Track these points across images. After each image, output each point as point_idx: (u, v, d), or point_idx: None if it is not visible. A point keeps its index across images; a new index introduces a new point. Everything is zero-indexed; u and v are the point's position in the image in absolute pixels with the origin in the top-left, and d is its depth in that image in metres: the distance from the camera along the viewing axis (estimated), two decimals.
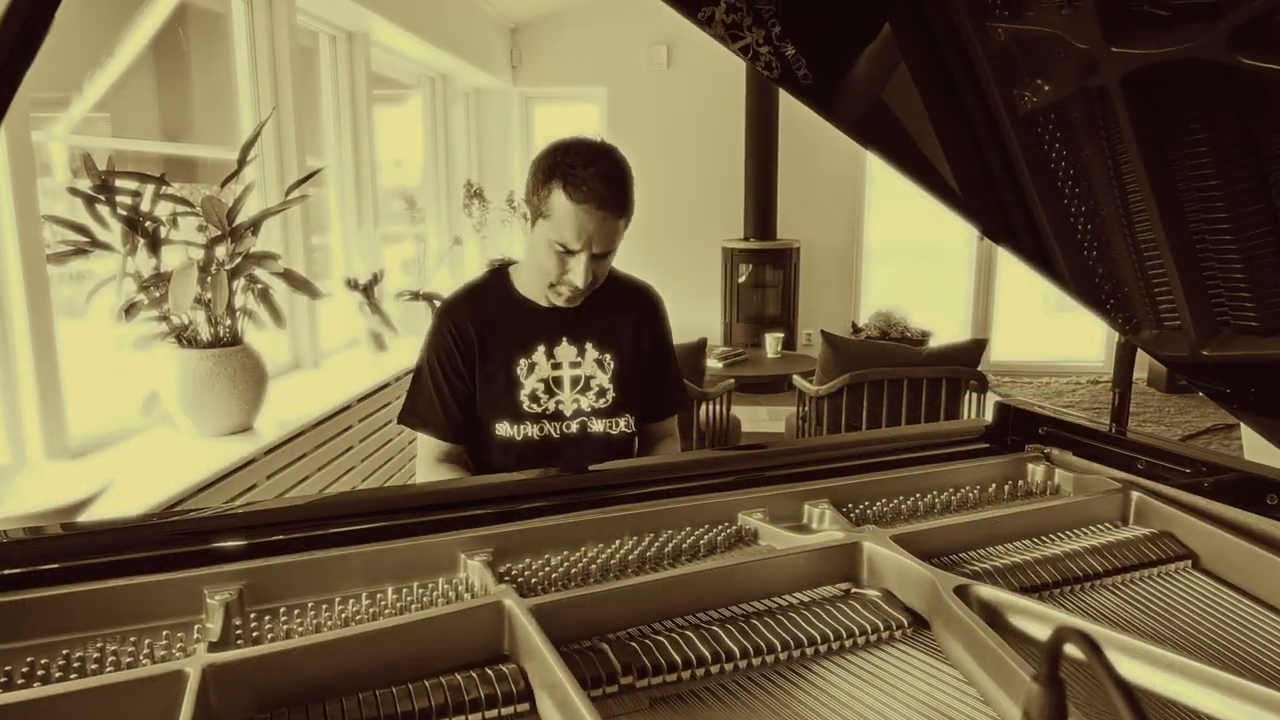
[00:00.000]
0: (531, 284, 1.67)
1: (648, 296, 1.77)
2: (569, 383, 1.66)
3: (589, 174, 1.49)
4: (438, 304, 1.77)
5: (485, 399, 1.66)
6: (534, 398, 1.65)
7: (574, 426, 1.66)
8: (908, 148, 1.14)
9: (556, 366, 1.66)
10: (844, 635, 0.89)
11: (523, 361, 1.65)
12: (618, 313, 1.71)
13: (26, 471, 2.11)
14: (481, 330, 1.65)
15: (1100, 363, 6.88)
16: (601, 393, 1.67)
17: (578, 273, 1.55)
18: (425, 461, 1.70)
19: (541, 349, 1.65)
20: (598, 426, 1.67)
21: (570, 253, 1.54)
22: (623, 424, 1.70)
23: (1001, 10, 0.98)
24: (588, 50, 6.76)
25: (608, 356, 1.68)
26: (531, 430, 1.65)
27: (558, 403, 1.66)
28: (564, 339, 1.67)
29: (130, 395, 2.65)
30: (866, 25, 1.07)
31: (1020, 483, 1.28)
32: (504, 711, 0.77)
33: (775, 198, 6.43)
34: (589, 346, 1.67)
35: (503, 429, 1.65)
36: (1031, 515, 1.13)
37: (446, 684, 0.78)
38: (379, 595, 0.94)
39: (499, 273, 1.73)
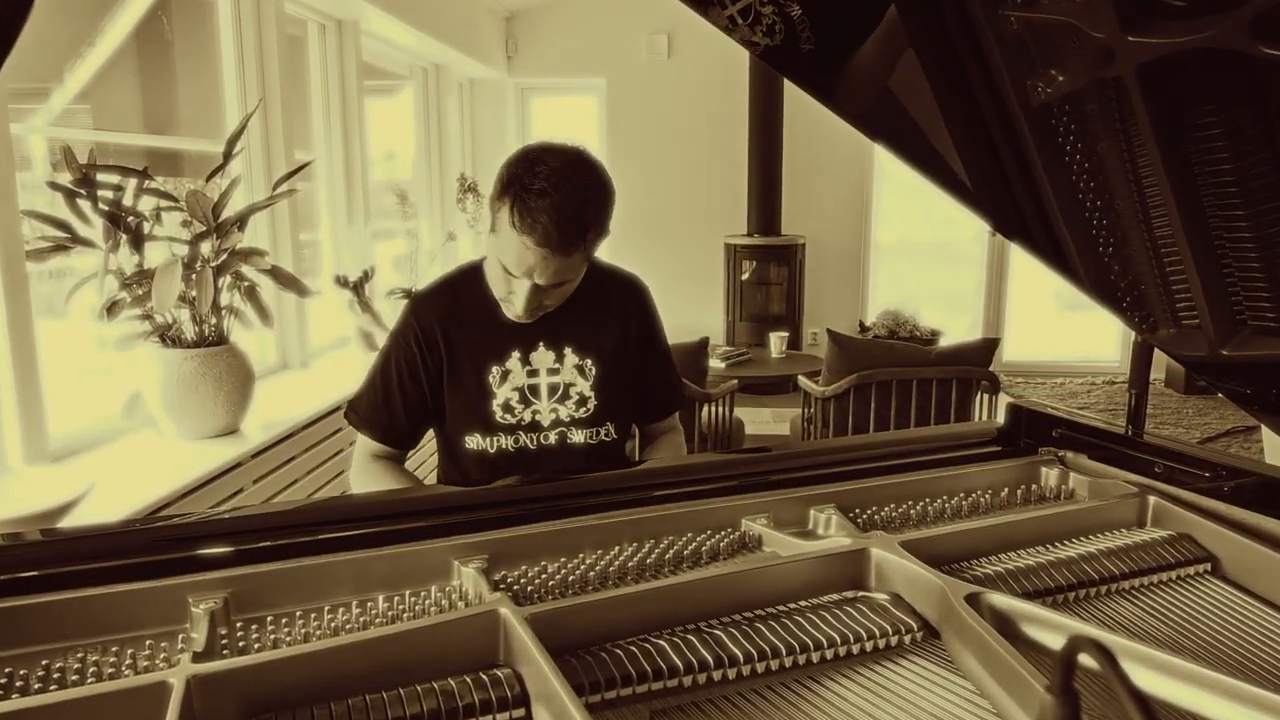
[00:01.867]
0: None
1: (632, 289, 1.69)
2: (546, 391, 1.59)
3: (542, 205, 1.38)
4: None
5: (454, 410, 1.59)
6: (508, 408, 1.58)
7: (552, 437, 1.60)
8: (917, 140, 1.14)
9: (533, 374, 1.58)
10: (851, 640, 0.89)
11: (495, 369, 1.57)
12: (599, 312, 1.63)
13: (5, 475, 2.11)
14: (450, 334, 1.58)
15: (1116, 363, 6.88)
16: (582, 401, 1.61)
17: (519, 299, 1.49)
18: (359, 457, 1.65)
19: (516, 355, 1.58)
20: (578, 437, 1.61)
21: (514, 276, 1.48)
22: (604, 433, 1.63)
23: None
24: (585, 40, 6.76)
25: (589, 362, 1.61)
26: (506, 442, 1.58)
27: (534, 413, 1.59)
28: (541, 344, 1.59)
29: (112, 396, 2.65)
30: (872, 9, 1.07)
31: (1033, 487, 1.28)
32: (499, 717, 0.77)
33: (780, 192, 6.43)
34: (568, 351, 1.60)
35: (474, 441, 1.58)
36: (1045, 520, 1.13)
37: (439, 689, 0.78)
38: (370, 604, 0.94)
39: (473, 269, 1.65)
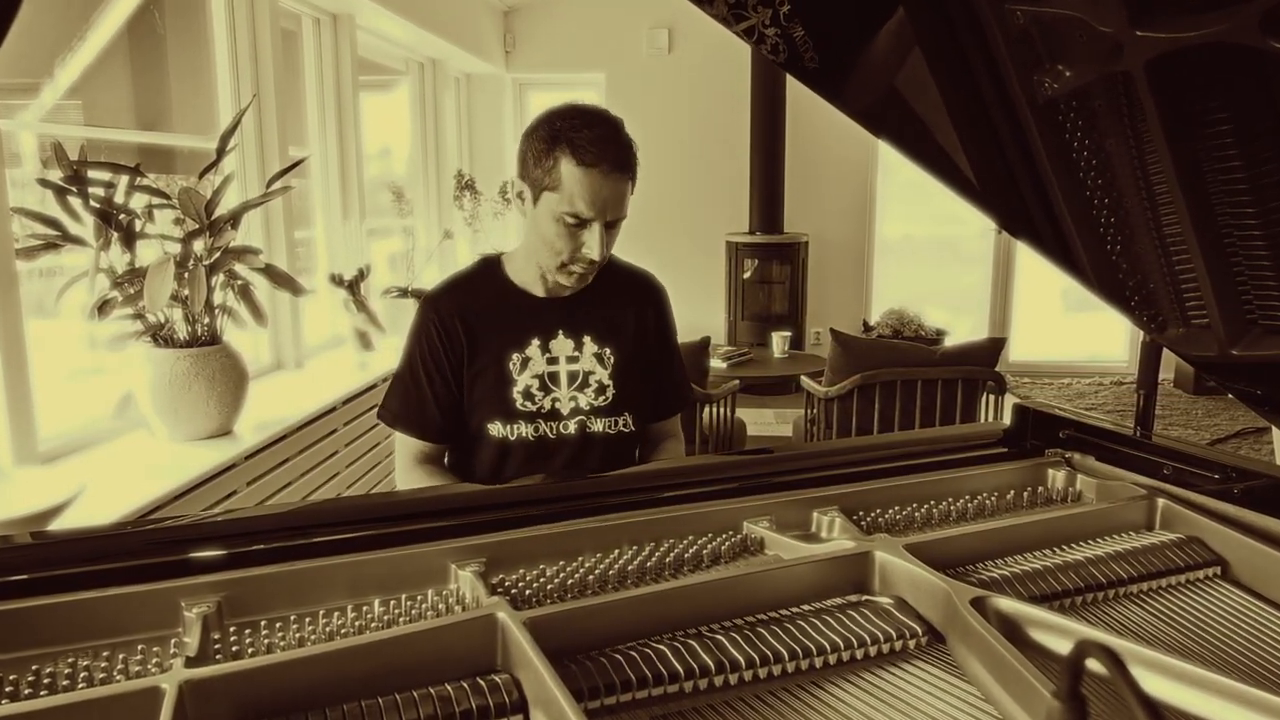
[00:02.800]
0: (529, 271, 1.65)
1: (650, 285, 1.76)
2: (566, 379, 1.64)
3: (595, 135, 1.49)
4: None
5: (475, 397, 1.63)
6: (528, 395, 1.62)
7: (572, 426, 1.64)
8: (922, 137, 1.14)
9: (553, 361, 1.63)
10: (855, 644, 0.89)
11: (515, 356, 1.62)
12: (618, 303, 1.69)
13: None
14: (470, 324, 1.62)
15: (1124, 363, 6.88)
16: (601, 389, 1.65)
17: (593, 244, 1.53)
18: (403, 462, 1.69)
19: (536, 342, 1.63)
20: (598, 426, 1.65)
21: (583, 224, 1.52)
22: (622, 423, 1.67)
23: None
24: (585, 34, 6.76)
25: (608, 350, 1.66)
26: (526, 430, 1.62)
27: (554, 400, 1.63)
28: (560, 332, 1.64)
29: (103, 397, 2.65)
30: (879, 7, 1.07)
31: (1040, 489, 1.28)
32: None
33: (782, 189, 6.43)
34: (588, 340, 1.65)
35: (495, 429, 1.62)
36: (1052, 523, 1.13)
37: (436, 694, 0.78)
38: (365, 608, 0.94)
39: (489, 262, 1.71)
